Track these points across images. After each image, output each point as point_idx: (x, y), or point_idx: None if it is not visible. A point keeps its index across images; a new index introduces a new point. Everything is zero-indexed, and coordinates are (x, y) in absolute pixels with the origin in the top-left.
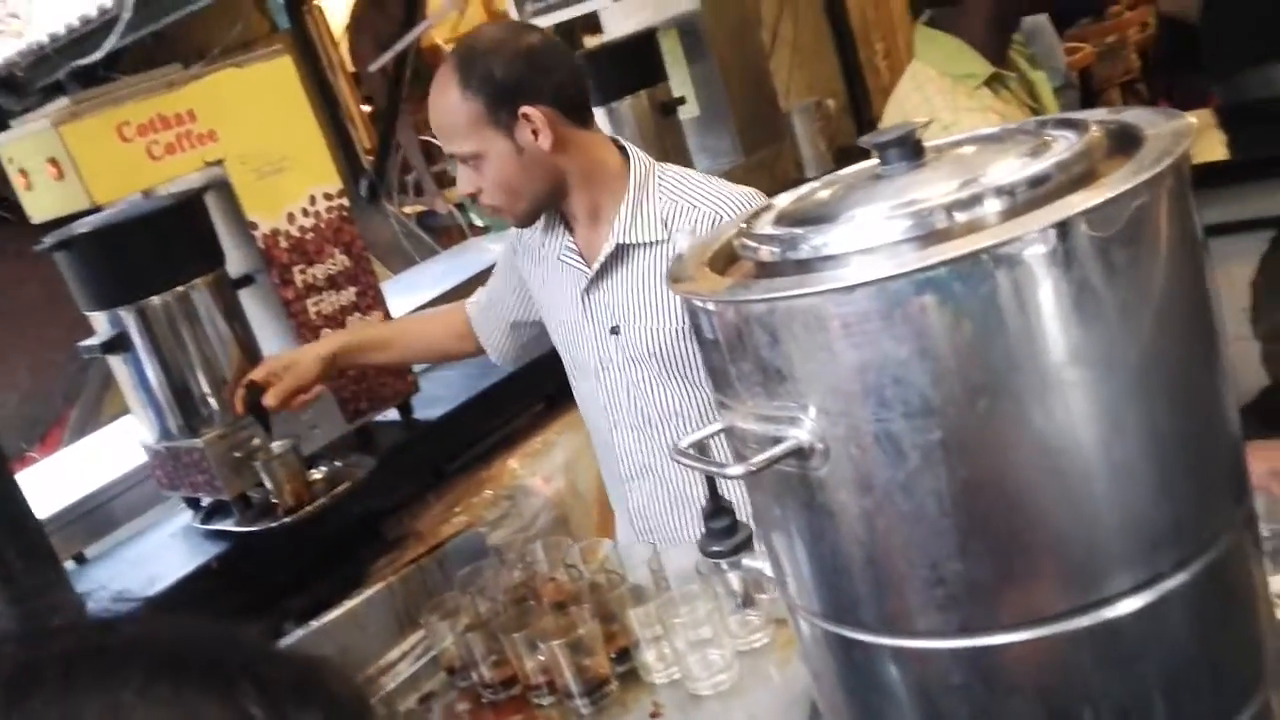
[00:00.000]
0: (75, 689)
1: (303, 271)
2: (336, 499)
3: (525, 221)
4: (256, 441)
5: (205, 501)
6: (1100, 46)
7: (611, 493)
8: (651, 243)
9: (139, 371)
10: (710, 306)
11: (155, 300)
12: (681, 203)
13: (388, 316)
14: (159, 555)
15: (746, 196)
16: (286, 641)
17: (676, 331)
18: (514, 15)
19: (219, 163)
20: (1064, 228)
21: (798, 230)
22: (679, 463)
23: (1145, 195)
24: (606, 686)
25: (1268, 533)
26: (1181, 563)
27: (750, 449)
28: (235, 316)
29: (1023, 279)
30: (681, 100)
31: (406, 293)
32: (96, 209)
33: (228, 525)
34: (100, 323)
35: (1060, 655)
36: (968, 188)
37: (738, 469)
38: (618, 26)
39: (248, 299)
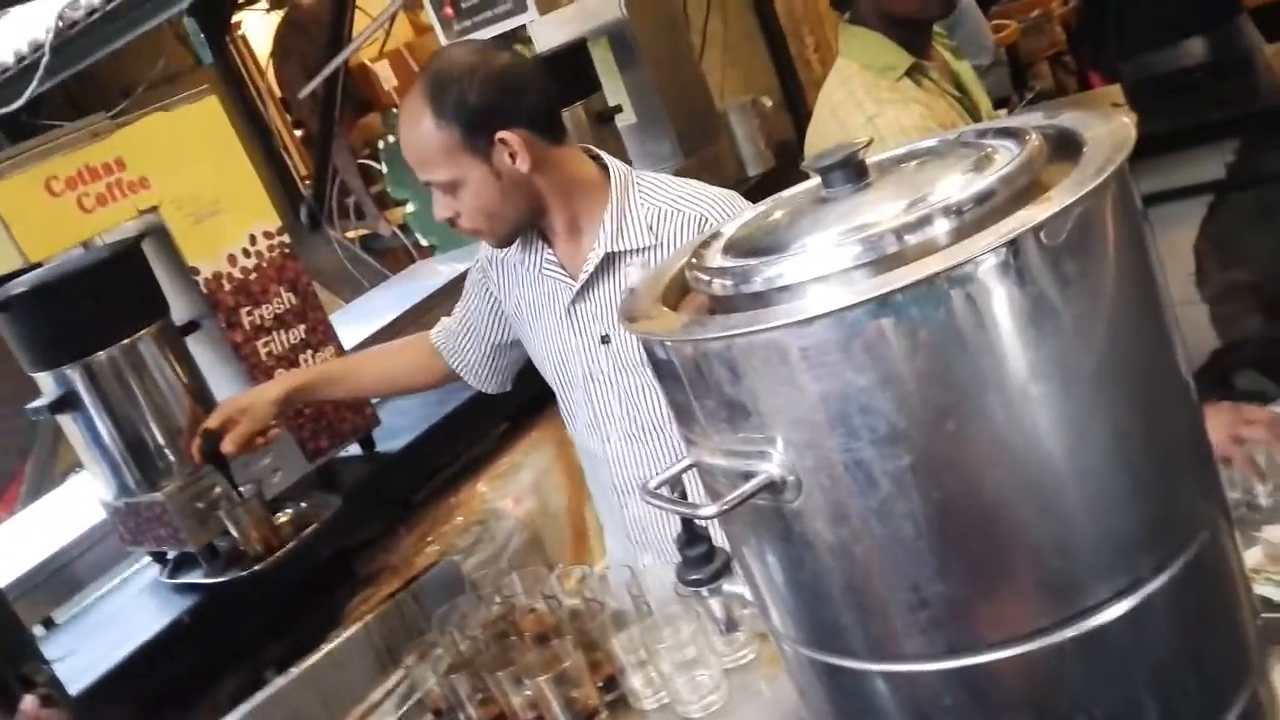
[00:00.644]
0: None
1: (249, 313)
2: (305, 541)
3: (505, 243)
4: (218, 490)
5: (171, 555)
6: (1025, 22)
7: (603, 508)
8: (638, 249)
9: (90, 429)
10: (667, 344)
11: (101, 356)
12: (665, 207)
13: (341, 351)
14: (129, 614)
15: (727, 198)
16: (268, 690)
17: None
18: (439, 32)
19: (153, 210)
20: (1015, 244)
21: (749, 261)
22: (652, 504)
23: (1091, 203)
24: (597, 717)
25: (1235, 499)
26: (1161, 565)
27: (720, 484)
28: (184, 364)
29: (978, 297)
30: (618, 109)
31: (358, 321)
32: (32, 267)
33: (196, 577)
34: (46, 383)
35: (1049, 669)
36: (915, 209)
37: (711, 509)
38: (547, 39)
39: (196, 345)
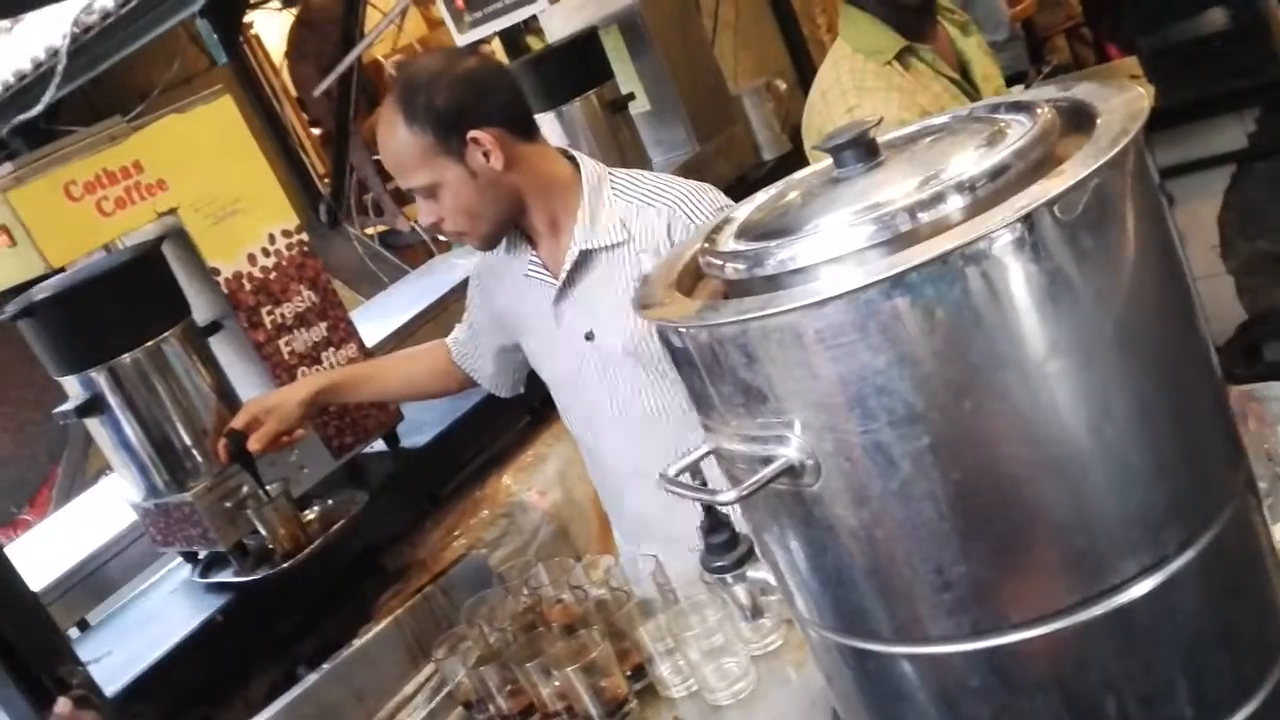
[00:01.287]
0: None
1: (270, 312)
2: (333, 537)
3: (489, 244)
4: (246, 489)
5: (202, 554)
6: None
7: (605, 502)
8: (613, 245)
9: (118, 432)
10: (682, 330)
11: (126, 358)
12: (635, 202)
13: (362, 348)
14: (162, 614)
15: (698, 189)
16: (301, 686)
17: (649, 328)
18: (451, 26)
19: (172, 212)
20: (1030, 219)
21: (762, 245)
22: (672, 492)
23: (1106, 175)
24: (626, 706)
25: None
26: (1187, 541)
27: (739, 469)
28: (208, 365)
29: (994, 274)
30: (631, 96)
31: (379, 318)
32: (55, 272)
33: (228, 576)
34: (72, 387)
35: (1076, 647)
36: (928, 186)
37: (730, 495)
38: (559, 29)
39: (218, 345)
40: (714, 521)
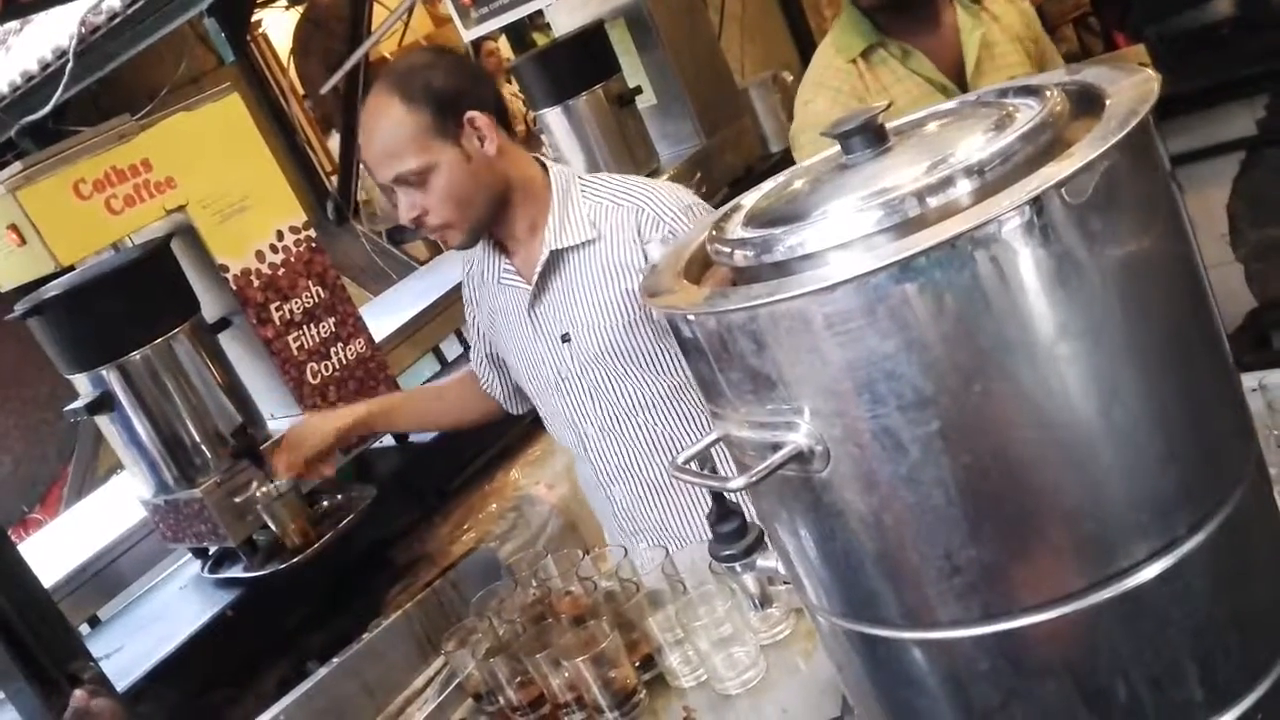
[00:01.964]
0: None
1: (279, 308)
2: (343, 532)
3: (472, 239)
4: (255, 484)
5: (212, 550)
6: None
7: (594, 503)
8: (582, 244)
9: (128, 429)
10: (691, 318)
11: (135, 356)
12: (605, 202)
13: (371, 343)
14: (173, 610)
15: (666, 188)
16: (312, 680)
17: (625, 325)
18: (457, 22)
19: (180, 209)
20: (1039, 202)
21: (770, 231)
22: (678, 479)
23: (1115, 158)
24: (636, 696)
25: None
26: (1197, 524)
27: (749, 456)
28: (218, 362)
29: (1003, 258)
30: (638, 90)
31: (387, 314)
32: (65, 270)
33: (237, 572)
34: (82, 384)
35: (1086, 631)
36: (937, 170)
37: (739, 482)
38: (565, 23)
39: (227, 342)
40: (723, 510)
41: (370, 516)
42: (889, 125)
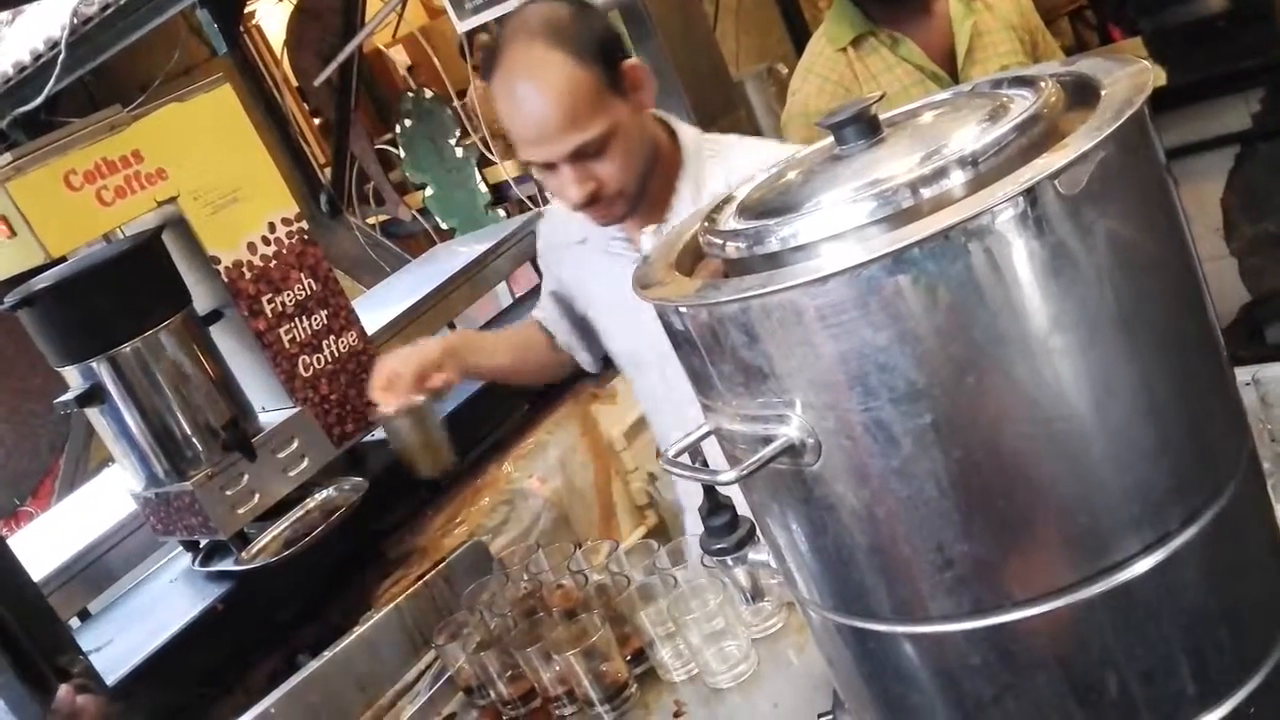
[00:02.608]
0: None
1: (271, 300)
2: (334, 525)
3: (630, 209)
4: (246, 477)
5: (203, 543)
6: None
7: (681, 487)
8: None
9: (118, 421)
10: (682, 310)
11: (126, 348)
12: (736, 176)
13: (364, 336)
14: (163, 603)
15: (792, 150)
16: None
17: None
18: (451, 13)
19: (172, 200)
20: (1033, 193)
21: (763, 223)
22: (671, 474)
23: (1110, 149)
24: (627, 690)
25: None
26: (1190, 517)
27: (740, 449)
28: (209, 354)
29: (997, 250)
30: None
31: (380, 307)
32: (55, 262)
33: (228, 565)
34: (73, 377)
35: (1077, 625)
36: (930, 161)
37: (730, 475)
38: None
39: (219, 334)
40: (714, 503)
41: (362, 509)
42: (883, 116)
